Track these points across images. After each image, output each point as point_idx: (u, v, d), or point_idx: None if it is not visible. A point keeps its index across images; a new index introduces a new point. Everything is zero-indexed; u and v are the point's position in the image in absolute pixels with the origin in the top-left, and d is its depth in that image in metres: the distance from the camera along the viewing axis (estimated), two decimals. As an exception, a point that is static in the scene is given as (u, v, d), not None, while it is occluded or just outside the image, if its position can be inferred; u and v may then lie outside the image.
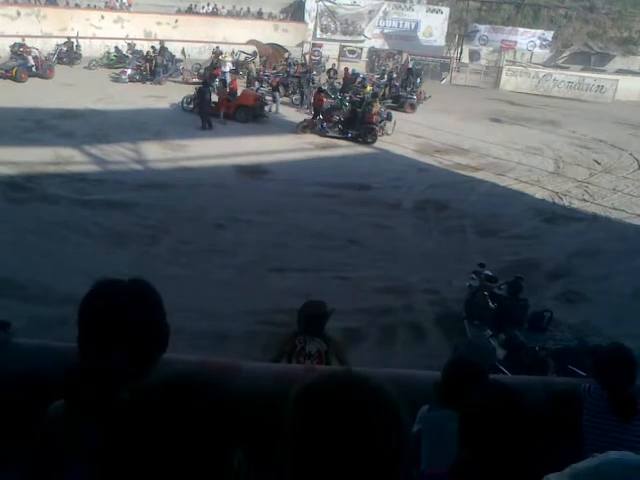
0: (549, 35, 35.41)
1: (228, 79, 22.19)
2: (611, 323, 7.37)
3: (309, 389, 1.07)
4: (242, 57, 27.63)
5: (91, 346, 1.44)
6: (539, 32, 35.61)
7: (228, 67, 24.93)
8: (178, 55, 26.94)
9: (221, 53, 27.02)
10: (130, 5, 32.29)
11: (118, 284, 1.51)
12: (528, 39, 35.12)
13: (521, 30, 35.68)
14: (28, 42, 23.68)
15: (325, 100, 19.53)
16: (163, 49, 26.27)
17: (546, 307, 6.50)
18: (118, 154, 13.85)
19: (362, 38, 35.59)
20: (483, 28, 35.70)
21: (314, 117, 18.05)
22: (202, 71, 24.19)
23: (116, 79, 23.11)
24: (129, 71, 23.44)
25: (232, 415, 1.06)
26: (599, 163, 17.27)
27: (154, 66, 24.03)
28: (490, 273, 7.26)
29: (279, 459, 1.07)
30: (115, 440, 1.01)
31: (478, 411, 1.69)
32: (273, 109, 20.74)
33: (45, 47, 24.82)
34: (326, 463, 0.97)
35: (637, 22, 39.45)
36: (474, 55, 35.92)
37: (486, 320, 6.69)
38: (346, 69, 25.10)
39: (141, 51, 26.30)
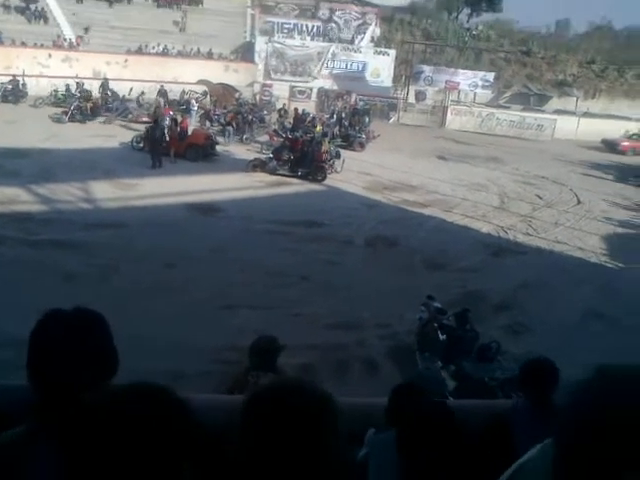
0: (490, 76, 36.87)
1: (194, 117, 22.52)
2: (555, 353, 7.57)
3: (257, 395, 1.14)
4: (193, 96, 27.79)
5: (53, 372, 1.47)
6: (481, 74, 37.04)
7: (195, 105, 25.20)
8: (128, 94, 26.86)
9: (166, 92, 27.34)
10: (79, 44, 32.10)
11: (65, 312, 1.57)
12: (470, 80, 36.45)
13: (464, 72, 37.06)
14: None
15: (275, 139, 19.82)
16: (105, 85, 26.35)
17: (493, 338, 6.70)
18: (66, 193, 13.65)
19: (311, 79, 36.27)
20: (428, 69, 36.88)
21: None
22: (152, 110, 24.19)
23: (57, 119, 22.54)
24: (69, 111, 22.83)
25: (184, 422, 1.13)
26: (541, 198, 17.98)
27: (96, 105, 23.97)
28: (439, 305, 7.45)
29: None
30: (75, 449, 1.07)
31: (411, 421, 1.78)
32: (226, 143, 21.13)
33: (-11, 85, 24.42)
34: (271, 462, 1.04)
35: (570, 66, 41.67)
36: (420, 95, 37.02)
37: (437, 351, 6.81)
38: (296, 109, 25.56)
39: (87, 90, 26.19)
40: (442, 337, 6.79)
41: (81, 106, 23.18)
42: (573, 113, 36.18)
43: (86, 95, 24.46)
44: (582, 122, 34.61)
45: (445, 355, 6.60)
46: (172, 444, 1.10)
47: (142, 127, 20.71)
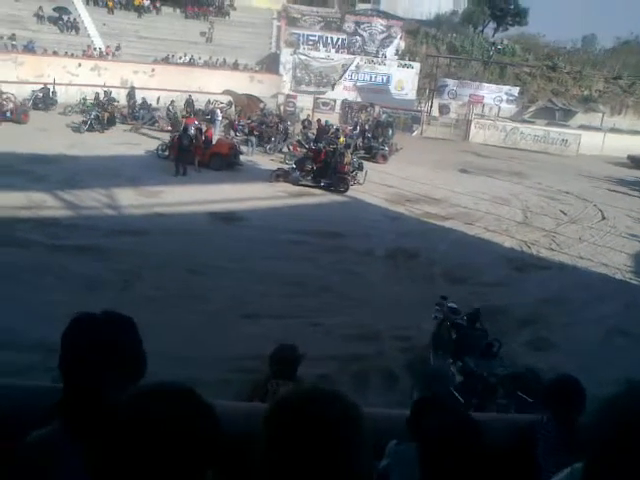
0: (515, 91, 36.71)
1: (218, 126, 22.74)
2: (578, 370, 7.49)
3: (280, 403, 1.12)
4: (218, 106, 28.07)
5: (82, 373, 1.51)
6: (505, 88, 36.90)
7: (219, 115, 25.45)
8: (156, 103, 27.25)
9: (192, 102, 27.74)
10: (108, 54, 32.68)
11: (95, 315, 1.63)
12: (495, 94, 36.31)
13: (488, 86, 36.95)
14: (3, 87, 23.79)
15: (299, 150, 19.95)
16: (132, 94, 26.83)
17: (496, 336, 6.83)
18: (91, 199, 13.85)
19: (333, 90, 36.44)
20: (452, 83, 36.83)
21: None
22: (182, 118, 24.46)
23: (76, 129, 22.53)
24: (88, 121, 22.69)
25: (210, 425, 1.13)
26: (565, 214, 17.79)
27: (112, 115, 24.19)
28: (454, 305, 7.53)
29: None
30: (98, 450, 1.07)
31: (434, 434, 1.77)
32: (249, 153, 21.28)
33: (20, 92, 24.89)
34: (294, 473, 1.01)
35: (596, 81, 41.30)
36: (444, 109, 36.97)
37: (448, 349, 6.97)
38: (319, 120, 25.69)
39: (114, 98, 26.64)
40: (454, 335, 7.01)
41: (99, 115, 23.28)
42: (599, 128, 35.82)
43: (104, 105, 24.67)
44: (608, 137, 34.27)
45: (455, 352, 6.78)
46: (197, 447, 1.08)
47: (167, 135, 20.99)
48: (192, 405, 1.13)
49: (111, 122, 23.80)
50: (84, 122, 22.51)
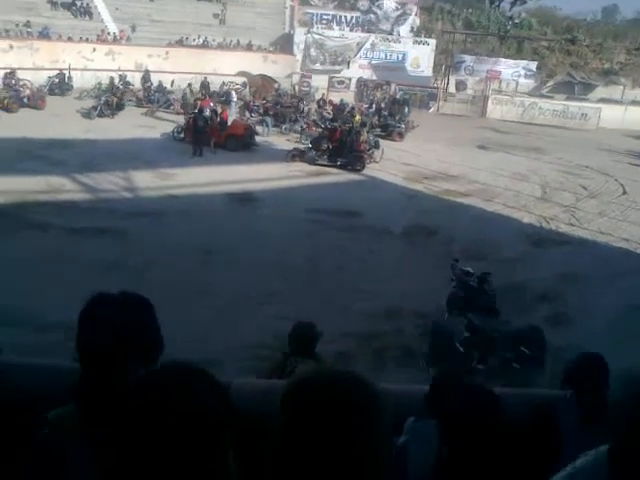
0: (533, 65, 36.10)
1: (234, 109, 22.66)
2: (598, 345, 7.42)
3: (300, 384, 1.08)
4: (232, 88, 27.99)
5: (100, 354, 1.51)
6: (523, 63, 36.30)
7: (234, 97, 25.37)
8: (170, 86, 27.25)
9: (208, 84, 27.65)
10: (122, 38, 32.66)
11: (112, 295, 1.61)
12: (513, 69, 35.75)
13: (505, 61, 36.37)
14: (20, 74, 23.93)
15: (314, 129, 19.86)
16: (147, 77, 26.90)
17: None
18: (109, 182, 13.95)
19: (349, 69, 36.11)
20: (469, 59, 36.30)
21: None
22: (192, 101, 24.43)
23: (86, 114, 22.18)
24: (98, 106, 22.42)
25: (223, 405, 1.10)
26: (585, 188, 17.54)
27: (121, 100, 24.01)
28: (467, 268, 8.03)
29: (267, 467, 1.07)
30: (112, 431, 1.06)
31: (458, 407, 1.75)
32: (265, 134, 21.20)
33: (37, 78, 25.04)
34: (314, 456, 0.98)
35: (617, 54, 40.41)
36: (460, 85, 36.50)
37: (460, 308, 7.51)
38: (331, 101, 25.83)
39: (129, 82, 26.68)
40: (463, 295, 7.60)
41: (108, 101, 23.08)
42: (619, 101, 35.12)
43: (112, 90, 24.52)
44: (629, 110, 33.56)
45: (463, 310, 7.33)
46: (210, 428, 1.05)
47: (182, 118, 20.98)
48: (203, 385, 1.10)
49: (120, 107, 23.63)
50: (94, 108, 22.36)
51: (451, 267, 8.22)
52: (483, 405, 1.75)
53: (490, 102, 33.92)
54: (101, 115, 22.20)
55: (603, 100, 35.06)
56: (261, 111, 23.73)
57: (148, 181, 14.38)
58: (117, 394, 1.11)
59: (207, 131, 18.19)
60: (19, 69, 24.81)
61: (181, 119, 20.92)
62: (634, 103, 34.64)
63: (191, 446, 1.02)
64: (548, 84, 38.97)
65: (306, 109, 24.95)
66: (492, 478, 1.72)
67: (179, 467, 1.01)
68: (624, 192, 17.44)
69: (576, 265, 10.95)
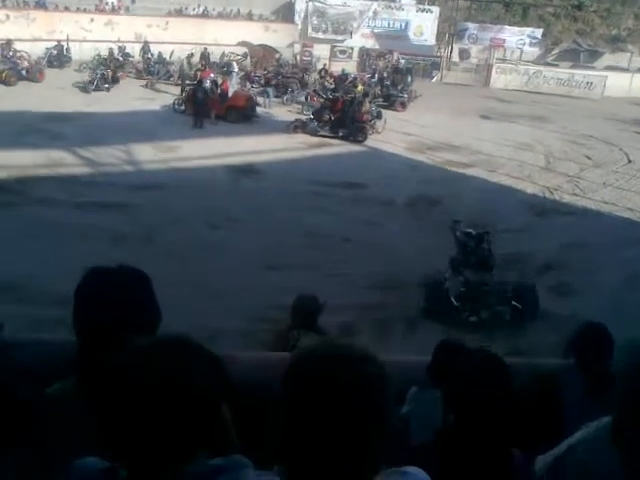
0: (538, 33, 35.52)
1: (235, 80, 22.35)
2: (601, 315, 7.41)
3: (306, 356, 1.07)
4: (233, 58, 27.64)
5: (97, 329, 1.49)
6: (528, 30, 35.71)
7: (236, 67, 25.07)
8: (169, 57, 26.90)
9: (208, 55, 27.31)
10: (120, 8, 32.15)
11: (108, 268, 1.59)
12: (517, 37, 35.20)
13: (510, 28, 35.80)
14: (17, 45, 23.56)
15: (316, 100, 19.66)
16: (146, 49, 26.62)
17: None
18: (110, 156, 13.87)
19: (352, 38, 35.57)
20: (472, 27, 35.72)
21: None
22: (193, 72, 24.14)
23: (83, 88, 21.57)
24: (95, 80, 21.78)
25: (212, 371, 1.11)
26: (589, 158, 17.40)
27: (116, 73, 23.40)
28: (468, 230, 8.27)
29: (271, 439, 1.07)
30: (104, 404, 1.06)
31: (466, 376, 1.74)
32: (266, 105, 21.01)
33: (34, 50, 24.63)
34: (320, 428, 0.98)
35: (625, 20, 39.67)
36: (464, 53, 35.99)
37: (460, 266, 7.94)
38: (332, 72, 25.59)
39: (129, 53, 26.34)
40: (462, 254, 7.97)
41: (105, 74, 22.45)
42: (626, 69, 34.61)
43: (107, 62, 23.90)
44: (636, 78, 33.06)
45: (460, 266, 7.84)
46: (201, 400, 1.07)
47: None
48: (199, 359, 1.11)
49: (115, 80, 22.98)
50: (91, 82, 21.75)
51: (451, 228, 8.38)
52: (493, 372, 1.73)
53: (494, 71, 33.46)
54: (98, 89, 21.65)
55: (609, 68, 34.55)
56: (262, 82, 23.46)
57: (149, 154, 14.30)
58: (111, 369, 1.11)
59: (207, 103, 18.01)
60: (16, 40, 24.41)
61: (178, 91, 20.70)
62: (640, 71, 34.14)
63: (187, 421, 1.04)
64: (553, 52, 38.38)
65: (310, 80, 24.67)
66: (496, 447, 1.71)
67: (174, 440, 1.04)
68: (629, 161, 17.30)
69: (580, 235, 10.91)
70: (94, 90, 21.46)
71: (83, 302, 1.53)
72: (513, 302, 7.41)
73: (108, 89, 22.08)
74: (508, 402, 1.69)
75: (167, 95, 21.48)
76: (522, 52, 36.31)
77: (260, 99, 20.99)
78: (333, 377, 1.00)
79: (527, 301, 7.52)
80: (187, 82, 21.45)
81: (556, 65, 35.46)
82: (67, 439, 1.39)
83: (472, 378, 1.71)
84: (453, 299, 7.50)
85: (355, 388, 0.99)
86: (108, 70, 22.87)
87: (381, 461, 1.06)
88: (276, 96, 22.38)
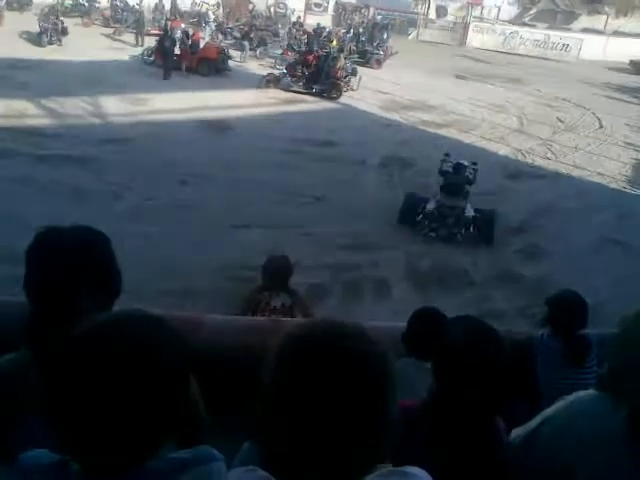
0: (516, -9, 35.26)
1: (208, 30, 21.68)
2: (571, 277, 7.53)
3: (295, 339, 1.01)
4: (204, 8, 26.80)
5: (51, 292, 1.38)
6: (506, -12, 35.41)
7: (212, 17, 24.30)
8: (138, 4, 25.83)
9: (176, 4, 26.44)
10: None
11: (63, 229, 1.49)
12: (495, -5, 34.91)
13: (488, -15, 35.40)
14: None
15: (290, 54, 19.23)
16: None
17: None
18: (76, 107, 13.39)
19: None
20: (450, -17, 35.25)
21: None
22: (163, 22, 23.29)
23: (36, 42, 19.57)
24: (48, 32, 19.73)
25: (177, 344, 1.05)
26: (562, 121, 17.44)
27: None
28: (456, 161, 9.36)
29: (248, 413, 1.03)
30: (53, 381, 0.98)
31: (454, 344, 1.68)
32: (243, 59, 20.67)
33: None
34: (311, 411, 0.92)
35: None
36: (441, 10, 35.49)
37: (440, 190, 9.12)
38: (304, 30, 24.84)
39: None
40: (441, 181, 9.12)
41: (57, 24, 20.39)
42: (602, 32, 34.55)
43: (56, 12, 21.62)
44: (611, 42, 33.03)
45: (439, 191, 9.05)
46: (174, 374, 1.01)
47: (152, 40, 20.07)
48: (157, 330, 1.04)
49: (64, 31, 20.87)
50: (44, 33, 19.65)
51: (442, 160, 9.43)
52: (483, 340, 1.66)
53: (471, 30, 33.19)
54: (51, 42, 19.78)
55: (585, 30, 34.43)
56: (235, 34, 22.82)
57: (117, 106, 13.83)
58: (66, 339, 1.02)
59: (177, 54, 17.47)
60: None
61: (152, 41, 19.92)
62: (616, 34, 34.06)
63: (154, 401, 0.97)
64: (530, 12, 38.06)
65: (284, 33, 24.08)
66: (482, 416, 1.67)
67: (138, 425, 0.97)
68: (600, 126, 17.38)
69: (551, 199, 10.98)
70: (49, 44, 19.67)
71: (35, 262, 1.43)
72: (470, 226, 8.73)
73: (60, 42, 20.16)
74: (500, 373, 1.64)
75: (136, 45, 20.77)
76: (500, 11, 35.94)
77: (234, 52, 20.43)
78: (335, 352, 0.95)
79: (484, 227, 8.72)
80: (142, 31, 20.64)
81: (533, 25, 35.23)
82: (19, 415, 1.30)
83: (462, 347, 1.65)
84: (421, 216, 8.84)
85: (362, 363, 0.96)
86: (58, 20, 20.74)
87: (384, 451, 1.00)
88: (250, 49, 21.83)
